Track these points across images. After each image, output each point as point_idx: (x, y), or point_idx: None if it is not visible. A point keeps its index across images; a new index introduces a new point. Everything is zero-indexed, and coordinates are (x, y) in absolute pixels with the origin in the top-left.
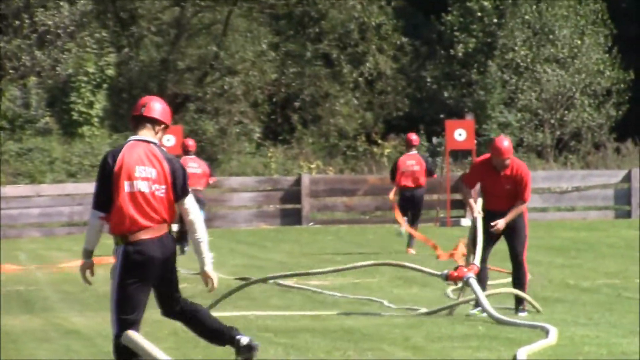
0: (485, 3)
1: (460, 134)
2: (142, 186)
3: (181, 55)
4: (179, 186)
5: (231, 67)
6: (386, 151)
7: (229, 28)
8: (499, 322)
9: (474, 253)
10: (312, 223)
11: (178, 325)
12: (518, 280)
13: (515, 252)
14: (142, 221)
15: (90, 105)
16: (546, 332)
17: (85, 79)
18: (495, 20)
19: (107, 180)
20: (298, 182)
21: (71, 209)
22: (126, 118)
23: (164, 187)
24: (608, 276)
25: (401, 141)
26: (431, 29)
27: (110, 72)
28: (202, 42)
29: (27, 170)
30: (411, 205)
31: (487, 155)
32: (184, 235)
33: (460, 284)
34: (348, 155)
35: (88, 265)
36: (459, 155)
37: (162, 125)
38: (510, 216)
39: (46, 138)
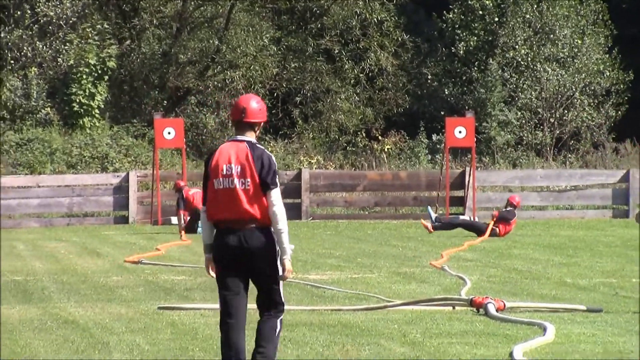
0: (487, 2)
1: (460, 132)
2: (226, 182)
3: (183, 48)
4: (263, 180)
5: (232, 61)
6: (386, 147)
7: (231, 22)
8: (497, 319)
9: None
10: (311, 218)
11: (176, 317)
12: None
13: None
14: (224, 214)
15: (91, 96)
16: (544, 330)
17: (86, 70)
18: (496, 19)
19: (206, 179)
20: (298, 176)
21: (70, 200)
22: (127, 110)
23: (249, 180)
24: (605, 275)
25: (401, 137)
26: (433, 26)
27: (112, 64)
28: (204, 36)
29: (27, 160)
30: None
31: None
32: (192, 219)
33: (481, 310)
34: (348, 150)
35: (209, 260)
36: (458, 152)
37: (262, 123)
38: None
39: (46, 129)
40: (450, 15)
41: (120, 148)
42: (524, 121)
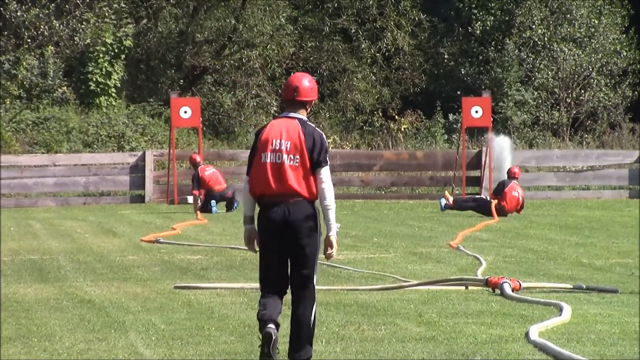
0: None
1: (476, 111)
2: (274, 157)
3: (199, 27)
4: (314, 157)
5: (249, 40)
6: (403, 127)
7: (248, 1)
8: (513, 299)
9: None
10: None
11: (192, 296)
12: None
13: None
14: (268, 188)
15: (108, 75)
16: (560, 310)
17: (103, 49)
18: None
19: (253, 152)
20: None
21: (87, 179)
22: (143, 89)
23: (298, 157)
24: (621, 255)
25: (418, 117)
26: (449, 5)
27: (129, 43)
28: (221, 15)
29: (43, 139)
30: None
31: None
32: (207, 199)
33: (497, 291)
34: (365, 130)
35: (250, 232)
36: (475, 132)
37: (313, 101)
38: None
39: (63, 108)
40: None
41: (136, 127)
42: (540, 101)
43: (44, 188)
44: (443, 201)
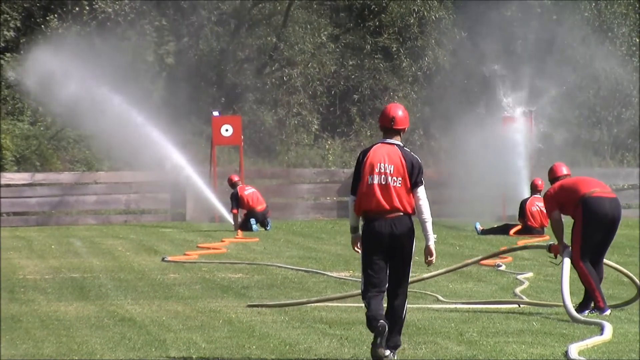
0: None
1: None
2: (380, 179)
3: (241, 45)
4: (412, 179)
5: (290, 58)
6: (443, 145)
7: (289, 19)
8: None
9: None
10: None
11: (233, 314)
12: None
13: None
14: (375, 206)
15: (149, 93)
16: (601, 329)
17: (144, 67)
18: (554, 17)
19: (358, 172)
20: None
21: (127, 197)
22: (184, 106)
23: (400, 179)
24: None
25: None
26: (490, 23)
27: (170, 60)
28: (262, 33)
29: (84, 157)
30: None
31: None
32: (247, 218)
33: (558, 258)
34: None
35: (356, 239)
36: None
37: (406, 129)
38: None
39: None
40: (509, 14)
41: (177, 145)
42: (581, 119)
43: (85, 206)
44: (478, 225)
